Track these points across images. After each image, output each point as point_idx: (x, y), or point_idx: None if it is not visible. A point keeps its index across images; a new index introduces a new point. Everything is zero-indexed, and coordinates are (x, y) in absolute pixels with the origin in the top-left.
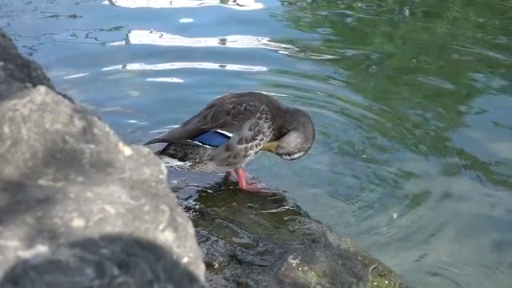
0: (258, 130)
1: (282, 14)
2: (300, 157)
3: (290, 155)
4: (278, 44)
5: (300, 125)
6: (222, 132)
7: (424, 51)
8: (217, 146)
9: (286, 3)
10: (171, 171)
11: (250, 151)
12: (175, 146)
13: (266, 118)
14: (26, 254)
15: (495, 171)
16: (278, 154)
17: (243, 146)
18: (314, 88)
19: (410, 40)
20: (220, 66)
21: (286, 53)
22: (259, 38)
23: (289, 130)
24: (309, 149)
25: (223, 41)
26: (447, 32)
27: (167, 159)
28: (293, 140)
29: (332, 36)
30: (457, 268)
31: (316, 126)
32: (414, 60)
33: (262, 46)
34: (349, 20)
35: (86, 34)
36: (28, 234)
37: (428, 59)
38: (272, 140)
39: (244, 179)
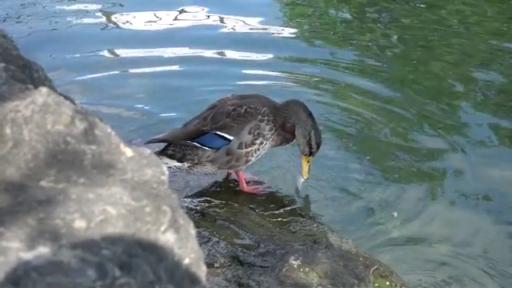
0: (258, 133)
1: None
2: (316, 134)
3: (311, 143)
4: (282, 30)
5: (295, 116)
6: (222, 134)
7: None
8: (216, 148)
9: None
10: (172, 172)
11: (251, 156)
12: (174, 147)
13: (268, 121)
14: (27, 255)
15: (501, 172)
16: (311, 154)
17: (243, 150)
18: (319, 79)
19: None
20: (223, 54)
21: (291, 40)
22: (264, 25)
23: (291, 124)
24: (312, 124)
25: (223, 28)
26: (459, 26)
27: (166, 160)
28: (299, 134)
29: (340, 25)
30: (459, 268)
31: (318, 123)
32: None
33: (268, 33)
34: (359, 9)
35: (82, 28)
36: (29, 235)
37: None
38: (275, 142)
39: (245, 181)
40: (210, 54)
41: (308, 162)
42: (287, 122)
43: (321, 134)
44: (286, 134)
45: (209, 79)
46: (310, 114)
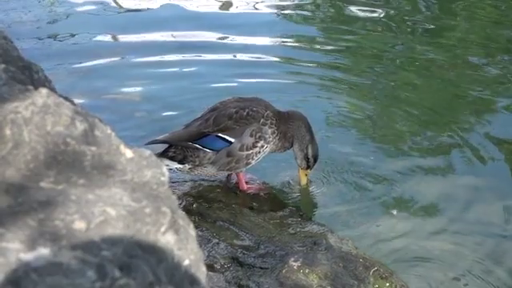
0: (260, 136)
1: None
2: (313, 148)
3: (308, 157)
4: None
5: (295, 129)
6: (223, 136)
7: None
8: (217, 150)
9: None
10: (172, 173)
11: (251, 159)
12: (175, 149)
13: (271, 124)
14: (27, 257)
15: (496, 172)
16: (309, 167)
17: (244, 153)
18: (317, 86)
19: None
20: (226, 40)
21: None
22: (273, 7)
23: (291, 135)
24: (309, 138)
25: (227, 37)
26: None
27: (167, 162)
28: (296, 149)
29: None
30: (457, 268)
31: (316, 128)
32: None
33: (275, 16)
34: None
35: (87, 30)
36: (30, 236)
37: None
38: (275, 146)
39: (245, 182)
40: (213, 40)
41: (306, 175)
42: (289, 133)
43: (318, 148)
44: (284, 142)
45: (211, 67)
46: (309, 128)
